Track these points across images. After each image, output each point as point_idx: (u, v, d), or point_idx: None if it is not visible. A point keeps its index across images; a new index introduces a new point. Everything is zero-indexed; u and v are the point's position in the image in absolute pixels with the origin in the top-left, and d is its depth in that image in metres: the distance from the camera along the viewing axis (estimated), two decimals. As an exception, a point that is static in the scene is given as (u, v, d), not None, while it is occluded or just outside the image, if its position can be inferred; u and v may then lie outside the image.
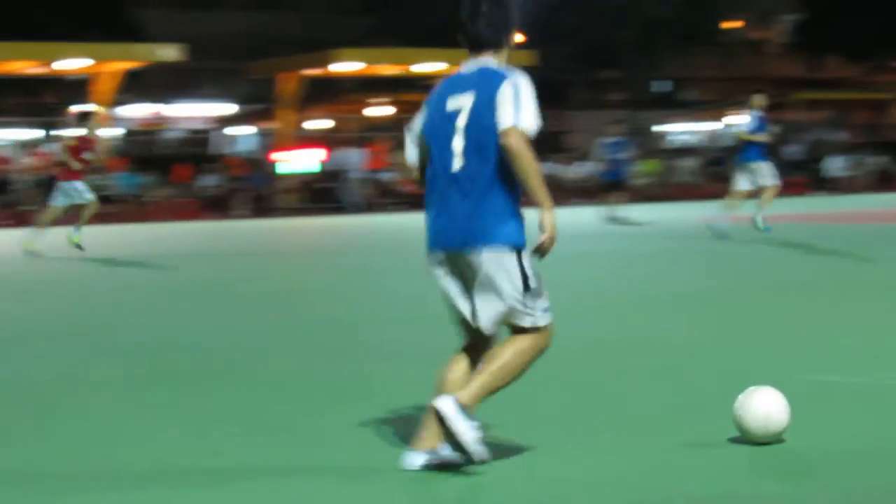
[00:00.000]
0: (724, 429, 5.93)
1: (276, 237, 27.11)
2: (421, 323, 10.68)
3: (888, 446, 5.74)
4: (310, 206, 36.88)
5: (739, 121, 20.20)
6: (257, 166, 39.13)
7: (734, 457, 5.66)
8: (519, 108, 5.27)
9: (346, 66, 40.60)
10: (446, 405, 5.21)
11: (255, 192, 37.07)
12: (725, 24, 54.88)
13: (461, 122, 5.38)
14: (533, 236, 5.46)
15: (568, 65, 53.65)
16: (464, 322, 5.50)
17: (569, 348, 8.99)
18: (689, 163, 44.88)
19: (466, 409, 5.25)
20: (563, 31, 51.37)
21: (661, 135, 55.25)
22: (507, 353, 5.35)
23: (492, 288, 5.33)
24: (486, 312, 5.39)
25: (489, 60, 5.50)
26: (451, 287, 5.47)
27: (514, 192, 5.38)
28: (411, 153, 5.68)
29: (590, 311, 11.42)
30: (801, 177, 40.63)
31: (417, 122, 5.65)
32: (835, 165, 43.31)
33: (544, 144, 49.26)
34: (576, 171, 43.04)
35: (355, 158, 38.53)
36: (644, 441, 5.96)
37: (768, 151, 20.24)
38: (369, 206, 37.08)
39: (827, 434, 6.00)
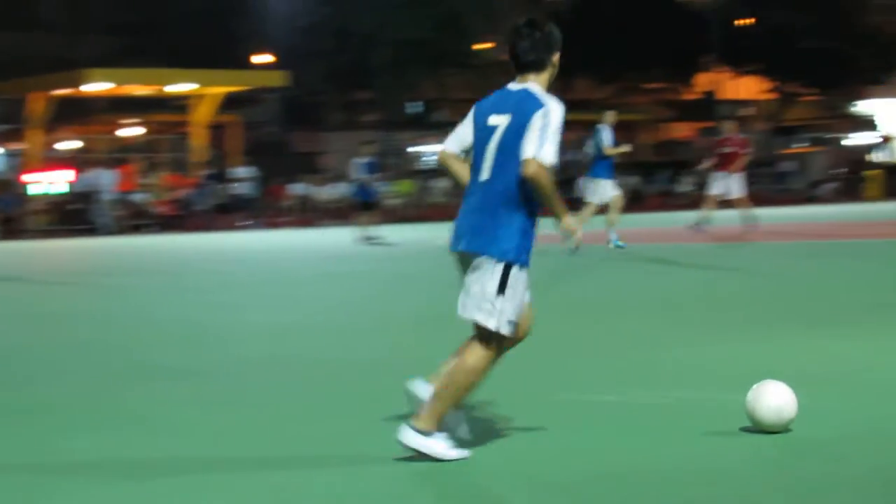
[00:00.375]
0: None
1: (26, 260, 26.47)
2: (182, 344, 10.70)
3: (635, 464, 5.85)
4: (61, 228, 36.12)
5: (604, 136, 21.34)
6: (7, 187, 38.13)
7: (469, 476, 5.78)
8: (543, 142, 5.77)
9: (96, 87, 39.94)
10: (407, 438, 5.78)
11: (3, 213, 36.12)
12: (477, 46, 55.86)
13: (495, 138, 5.91)
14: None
15: (322, 86, 53.84)
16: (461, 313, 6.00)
17: (311, 366, 9.19)
18: (442, 183, 45.50)
19: (425, 431, 5.78)
20: (317, 52, 51.55)
21: (415, 155, 55.93)
22: (454, 374, 5.86)
23: (477, 285, 5.84)
24: (466, 304, 5.91)
25: (532, 82, 6.00)
26: (461, 278, 6.00)
27: (527, 210, 5.87)
28: (451, 144, 6.18)
29: (340, 330, 11.55)
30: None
31: (467, 124, 6.13)
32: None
33: (298, 166, 49.50)
34: (329, 192, 43.27)
35: (107, 179, 37.91)
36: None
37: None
38: (121, 228, 36.51)
39: (583, 455, 6.10)
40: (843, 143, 65.47)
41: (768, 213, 31.92)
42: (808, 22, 61.22)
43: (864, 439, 6.19)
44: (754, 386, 6.33)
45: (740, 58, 59.71)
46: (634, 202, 45.95)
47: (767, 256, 19.77)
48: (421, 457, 5.74)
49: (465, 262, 5.93)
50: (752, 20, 60.22)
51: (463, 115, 6.24)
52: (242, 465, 5.93)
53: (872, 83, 64.52)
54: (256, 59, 52.90)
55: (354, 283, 17.19)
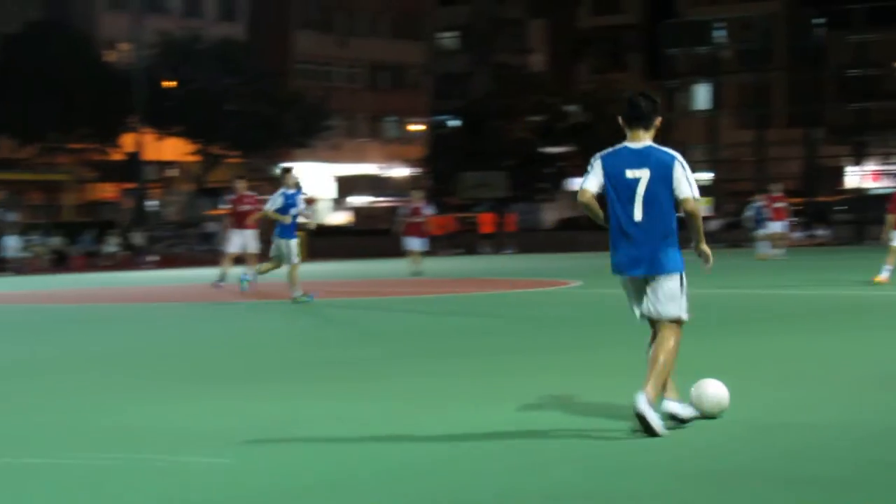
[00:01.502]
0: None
1: None
2: None
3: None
4: None
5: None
6: None
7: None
8: (691, 184, 7.89)
9: None
10: (640, 404, 7.56)
11: None
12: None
13: (641, 189, 7.88)
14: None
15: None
16: (643, 316, 8.08)
17: None
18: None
19: (652, 402, 7.62)
20: None
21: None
22: (661, 355, 7.84)
23: (665, 293, 7.96)
24: (660, 308, 7.97)
25: (648, 138, 8.01)
26: (632, 294, 8.11)
27: (674, 234, 7.96)
28: (591, 184, 7.97)
29: None
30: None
31: (598, 174, 7.96)
32: (10, 245, 43.02)
33: None
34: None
35: None
36: None
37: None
38: None
39: None
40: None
41: (197, 274, 32.37)
42: (231, 85, 62.58)
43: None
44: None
45: (164, 119, 60.17)
46: (59, 263, 45.22)
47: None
48: (642, 421, 7.49)
49: (640, 282, 8.01)
50: (175, 82, 60.86)
51: None
52: None
53: (297, 146, 66.67)
54: None
55: None
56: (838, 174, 68.39)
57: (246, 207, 25.04)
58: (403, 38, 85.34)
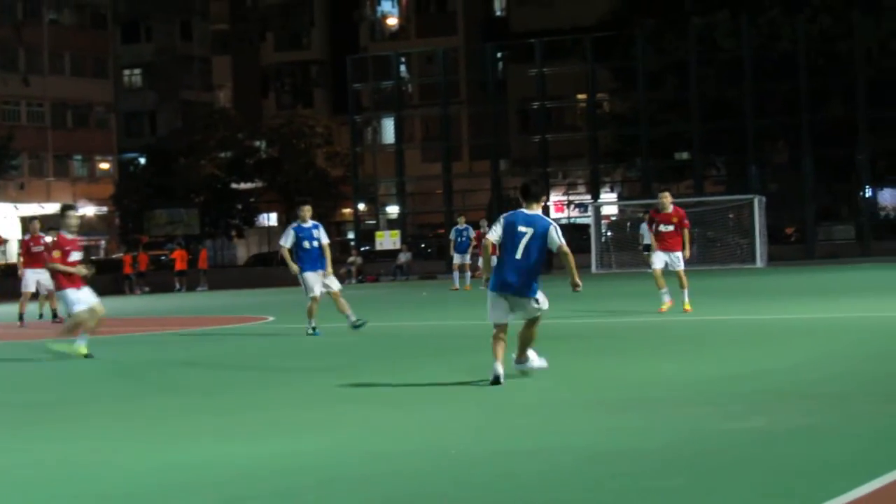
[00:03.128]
0: None
1: None
2: None
3: None
4: None
5: None
6: None
7: None
8: (560, 238, 12.41)
9: None
10: (519, 366, 12.76)
11: None
12: None
13: (525, 239, 12.36)
14: None
15: None
16: (502, 321, 12.48)
17: None
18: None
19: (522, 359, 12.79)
20: None
21: None
22: (528, 332, 12.62)
23: (530, 307, 12.48)
24: (527, 314, 12.55)
25: (537, 209, 12.63)
26: (502, 305, 12.47)
27: (538, 273, 12.52)
28: (494, 236, 12.53)
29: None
30: None
31: (498, 228, 12.52)
32: None
33: None
34: None
35: None
36: None
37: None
38: None
39: None
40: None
41: None
42: None
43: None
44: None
45: None
46: None
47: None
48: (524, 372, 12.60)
49: (514, 298, 12.41)
50: None
51: None
52: None
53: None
54: None
55: None
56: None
57: (39, 248, 26.37)
58: (87, 76, 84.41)
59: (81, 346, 17.38)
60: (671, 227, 22.53)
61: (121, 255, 64.73)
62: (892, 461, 7.59)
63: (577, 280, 12.44)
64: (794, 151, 60.65)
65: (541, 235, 12.30)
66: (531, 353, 12.70)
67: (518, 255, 12.29)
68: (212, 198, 73.22)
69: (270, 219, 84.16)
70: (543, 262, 12.64)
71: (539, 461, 8.17)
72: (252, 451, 9.00)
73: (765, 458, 7.88)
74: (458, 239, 38.92)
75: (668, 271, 22.35)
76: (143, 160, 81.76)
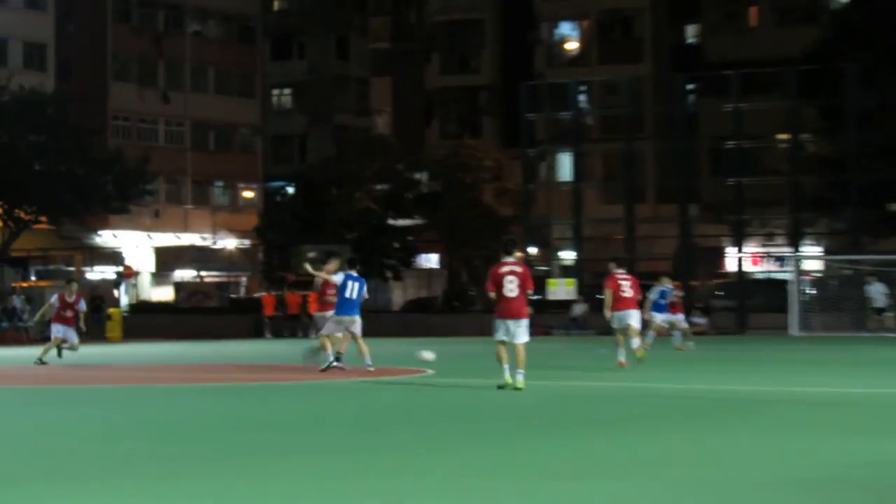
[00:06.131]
0: None
1: None
2: None
3: None
4: None
5: None
6: None
7: None
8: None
9: None
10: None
11: None
12: None
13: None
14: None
15: None
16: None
17: None
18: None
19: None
20: None
21: None
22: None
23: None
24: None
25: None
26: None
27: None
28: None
29: None
30: None
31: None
32: None
33: None
34: None
35: None
36: None
37: None
38: None
39: None
40: (88, 276, 64.11)
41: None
42: (38, 141, 59.71)
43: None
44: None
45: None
46: None
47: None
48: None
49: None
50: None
51: None
52: None
53: (114, 212, 64.04)
54: None
55: None
56: (716, 255, 67.70)
57: (70, 313, 29.64)
58: (232, 95, 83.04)
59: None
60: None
61: (260, 294, 63.20)
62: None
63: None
64: None
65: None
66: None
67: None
68: (366, 234, 71.14)
69: (430, 260, 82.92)
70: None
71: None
72: None
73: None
74: (660, 300, 35.55)
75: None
76: (290, 189, 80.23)
